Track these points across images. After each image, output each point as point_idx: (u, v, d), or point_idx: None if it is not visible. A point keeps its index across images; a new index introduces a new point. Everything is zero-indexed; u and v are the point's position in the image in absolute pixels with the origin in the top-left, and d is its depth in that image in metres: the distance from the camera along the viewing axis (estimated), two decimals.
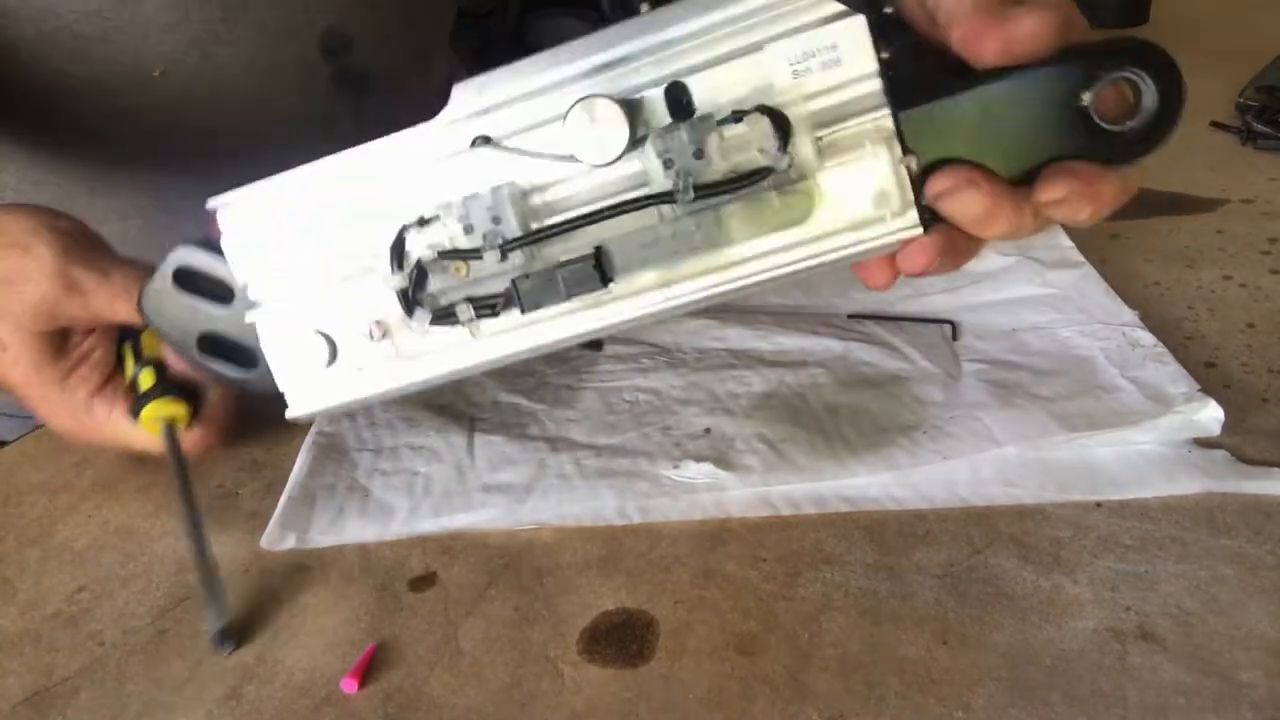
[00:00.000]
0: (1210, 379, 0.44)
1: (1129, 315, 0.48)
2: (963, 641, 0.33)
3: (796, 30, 0.33)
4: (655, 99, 0.34)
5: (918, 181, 0.33)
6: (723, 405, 0.47)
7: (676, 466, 0.43)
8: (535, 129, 0.35)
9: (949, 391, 0.45)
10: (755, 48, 0.33)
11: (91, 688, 0.36)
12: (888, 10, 0.34)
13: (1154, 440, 0.40)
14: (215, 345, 0.41)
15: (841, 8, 0.32)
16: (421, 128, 0.36)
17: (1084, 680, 0.31)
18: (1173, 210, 0.62)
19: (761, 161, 0.33)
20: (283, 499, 0.45)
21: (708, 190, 0.34)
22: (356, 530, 0.43)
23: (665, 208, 0.34)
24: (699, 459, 0.43)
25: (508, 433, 0.47)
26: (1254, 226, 0.58)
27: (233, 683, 0.35)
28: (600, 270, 0.35)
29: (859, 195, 0.34)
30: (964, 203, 0.33)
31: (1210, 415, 0.40)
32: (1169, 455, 0.40)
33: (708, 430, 0.45)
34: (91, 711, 0.35)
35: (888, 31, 0.33)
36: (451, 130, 0.35)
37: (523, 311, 0.36)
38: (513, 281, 0.36)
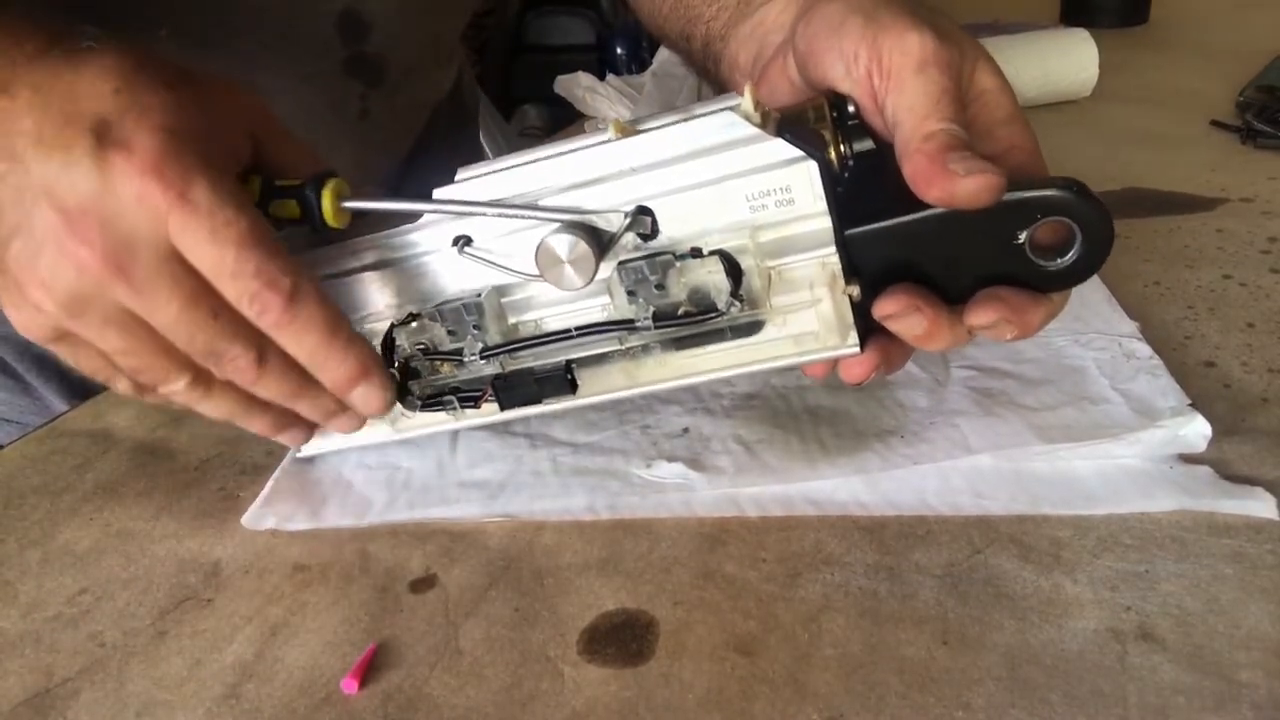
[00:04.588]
0: (1210, 378, 0.44)
1: (1129, 326, 0.47)
2: (963, 641, 0.33)
3: (755, 170, 0.35)
4: (622, 216, 0.36)
5: (859, 306, 0.36)
6: (704, 405, 0.47)
7: (649, 466, 0.43)
8: (512, 234, 0.38)
9: (933, 397, 0.45)
10: (717, 181, 0.35)
11: (92, 688, 0.36)
12: (851, 110, 0.36)
13: (1136, 455, 0.39)
14: None
15: (797, 153, 0.34)
16: (405, 228, 0.39)
17: (1084, 680, 0.31)
18: (1173, 210, 0.62)
19: (715, 301, 0.37)
20: (270, 482, 0.46)
21: (667, 322, 0.37)
22: (335, 518, 0.44)
23: (627, 330, 0.38)
24: (672, 459, 0.43)
25: (491, 428, 0.48)
26: (1254, 226, 0.58)
27: (232, 681, 0.35)
28: (570, 378, 0.40)
29: (803, 320, 0.37)
30: (908, 324, 0.35)
31: (1196, 431, 0.39)
32: (1149, 471, 0.39)
33: (686, 430, 0.46)
34: (91, 712, 0.35)
35: (850, 134, 0.36)
36: (434, 228, 0.38)
37: (501, 409, 0.41)
38: (492, 384, 0.40)
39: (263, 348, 0.36)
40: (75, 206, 0.33)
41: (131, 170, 0.33)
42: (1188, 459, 0.39)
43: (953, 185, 0.32)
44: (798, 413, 0.46)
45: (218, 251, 0.33)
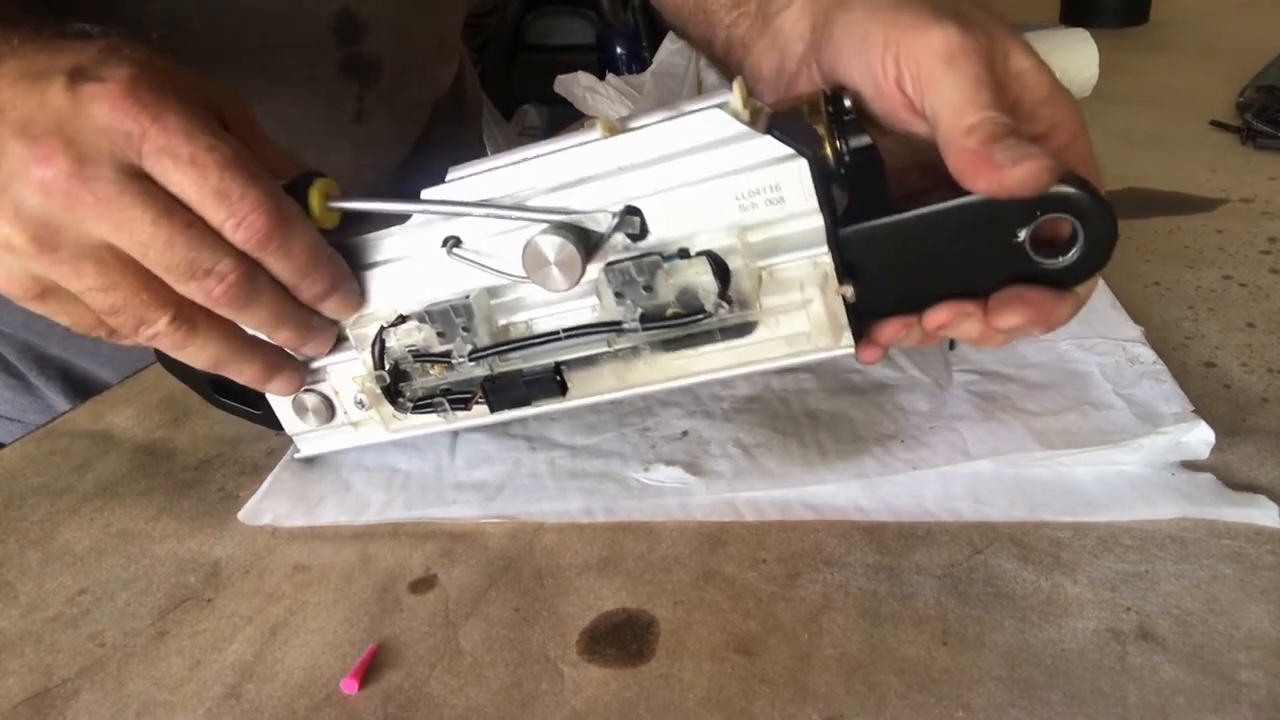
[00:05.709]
0: (1210, 379, 0.44)
1: (1133, 330, 0.47)
2: (963, 641, 0.33)
3: (743, 169, 0.34)
4: (610, 216, 0.36)
5: (854, 306, 0.36)
6: (704, 408, 0.47)
7: (647, 469, 0.43)
8: (502, 235, 0.37)
9: (934, 401, 0.45)
10: (705, 180, 0.35)
11: (92, 688, 0.36)
12: (848, 104, 0.35)
13: (1138, 461, 0.39)
14: (225, 388, 0.46)
15: (786, 151, 0.34)
16: (395, 229, 0.39)
17: (1084, 680, 0.31)
18: (1173, 210, 0.62)
19: (703, 303, 0.36)
20: (268, 480, 0.46)
21: (655, 324, 0.37)
22: (331, 516, 0.44)
23: (615, 332, 0.38)
24: (670, 462, 0.43)
25: (490, 430, 0.48)
26: (1254, 226, 0.58)
27: (232, 682, 0.35)
28: (560, 380, 0.39)
29: (796, 321, 0.37)
30: (962, 331, 0.35)
31: (1198, 438, 0.38)
32: (1150, 477, 0.38)
33: (685, 433, 0.45)
34: (91, 712, 0.35)
35: (846, 129, 0.35)
36: (424, 229, 0.38)
37: (491, 410, 0.41)
38: (482, 386, 0.40)
39: (249, 265, 0.35)
40: (41, 131, 0.32)
41: (103, 94, 0.32)
42: (1190, 465, 0.39)
43: (1001, 176, 0.31)
44: (797, 416, 0.46)
45: (199, 174, 0.33)
